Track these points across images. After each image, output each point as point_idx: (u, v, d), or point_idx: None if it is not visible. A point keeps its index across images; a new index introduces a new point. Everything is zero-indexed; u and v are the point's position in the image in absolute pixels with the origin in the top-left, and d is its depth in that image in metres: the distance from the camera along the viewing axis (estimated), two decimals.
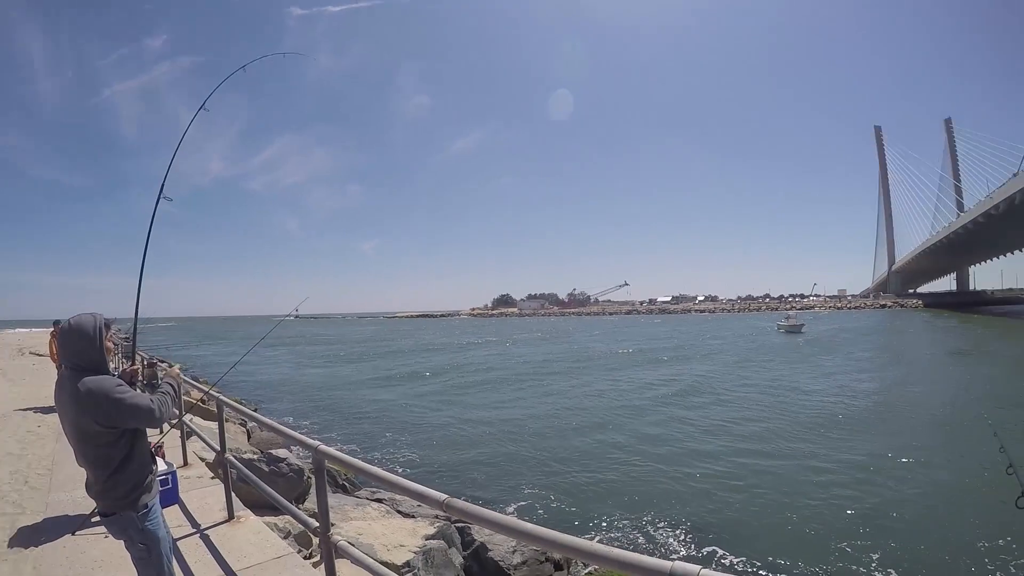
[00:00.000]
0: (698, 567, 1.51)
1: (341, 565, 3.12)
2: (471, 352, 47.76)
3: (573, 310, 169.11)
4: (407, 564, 4.73)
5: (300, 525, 4.15)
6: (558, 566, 7.03)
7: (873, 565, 7.96)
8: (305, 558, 4.54)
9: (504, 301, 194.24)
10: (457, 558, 5.82)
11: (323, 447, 3.07)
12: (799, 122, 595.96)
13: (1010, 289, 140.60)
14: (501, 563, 6.46)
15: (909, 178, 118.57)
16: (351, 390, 25.77)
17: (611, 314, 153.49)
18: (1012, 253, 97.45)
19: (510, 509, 10.40)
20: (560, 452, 14.15)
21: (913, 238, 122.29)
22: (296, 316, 5.96)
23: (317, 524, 3.15)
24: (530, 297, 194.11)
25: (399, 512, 6.88)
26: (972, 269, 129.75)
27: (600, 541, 8.49)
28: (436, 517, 6.61)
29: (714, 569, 1.61)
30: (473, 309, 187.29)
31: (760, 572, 7.98)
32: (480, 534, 6.76)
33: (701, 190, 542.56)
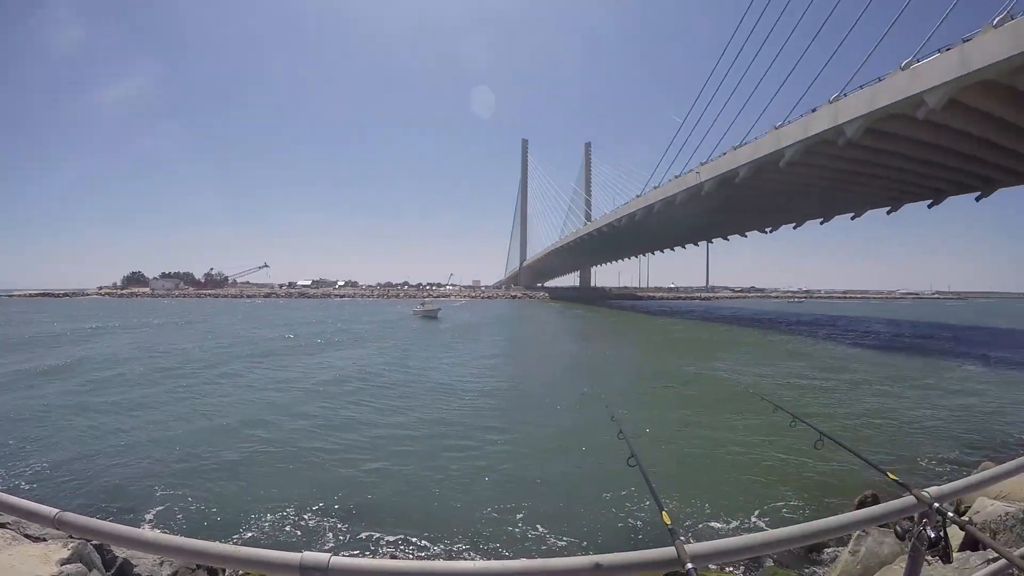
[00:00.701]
0: (328, 555, 1.57)
1: None
2: (102, 340, 40.55)
3: (210, 291, 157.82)
4: None
5: None
6: (212, 571, 6.67)
7: (518, 523, 9.22)
8: None
9: (136, 279, 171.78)
10: None
11: None
12: (451, 129, 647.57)
13: (625, 287, 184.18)
14: None
15: (547, 188, 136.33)
16: None
17: (250, 297, 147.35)
18: (628, 259, 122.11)
19: (149, 517, 9.46)
20: (204, 452, 13.17)
21: (545, 239, 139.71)
22: None
23: None
24: (164, 276, 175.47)
25: (27, 536, 5.98)
26: (594, 269, 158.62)
27: (243, 541, 8.39)
28: (71, 537, 6.00)
29: (348, 554, 1.94)
30: (101, 288, 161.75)
31: (402, 547, 8.49)
32: (122, 550, 5.98)
33: (342, 176, 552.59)
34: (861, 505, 8.62)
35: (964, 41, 23.45)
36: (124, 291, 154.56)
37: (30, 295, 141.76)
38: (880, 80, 28.04)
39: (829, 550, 7.75)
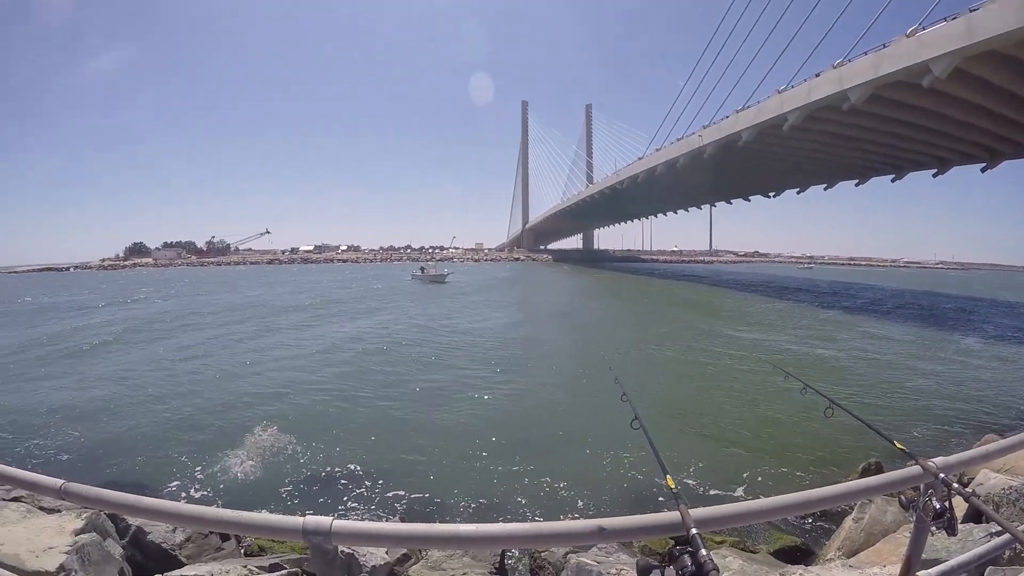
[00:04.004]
0: (330, 518, 1.61)
1: None
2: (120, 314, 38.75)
3: (213, 259, 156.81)
4: (61, 567, 4.26)
5: None
6: (225, 536, 6.70)
7: (523, 484, 9.46)
8: None
9: (137, 250, 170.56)
10: (116, 549, 5.37)
11: None
12: (453, 93, 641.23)
13: (628, 250, 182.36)
14: (164, 544, 6.08)
15: (548, 150, 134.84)
16: None
17: (252, 263, 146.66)
18: (631, 221, 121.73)
19: (158, 484, 9.49)
20: (216, 419, 13.16)
21: (547, 201, 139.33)
22: None
23: None
24: (166, 245, 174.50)
25: (42, 509, 6.02)
26: (597, 231, 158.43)
27: (249, 506, 8.50)
28: (84, 507, 6.05)
29: (350, 517, 2.00)
30: (104, 260, 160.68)
31: (404, 508, 8.62)
32: (135, 519, 5.99)
33: (341, 140, 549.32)
34: (864, 473, 8.70)
35: (971, 11, 23.10)
36: (127, 262, 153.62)
37: (33, 270, 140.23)
38: (885, 47, 27.64)
39: (833, 517, 7.84)
